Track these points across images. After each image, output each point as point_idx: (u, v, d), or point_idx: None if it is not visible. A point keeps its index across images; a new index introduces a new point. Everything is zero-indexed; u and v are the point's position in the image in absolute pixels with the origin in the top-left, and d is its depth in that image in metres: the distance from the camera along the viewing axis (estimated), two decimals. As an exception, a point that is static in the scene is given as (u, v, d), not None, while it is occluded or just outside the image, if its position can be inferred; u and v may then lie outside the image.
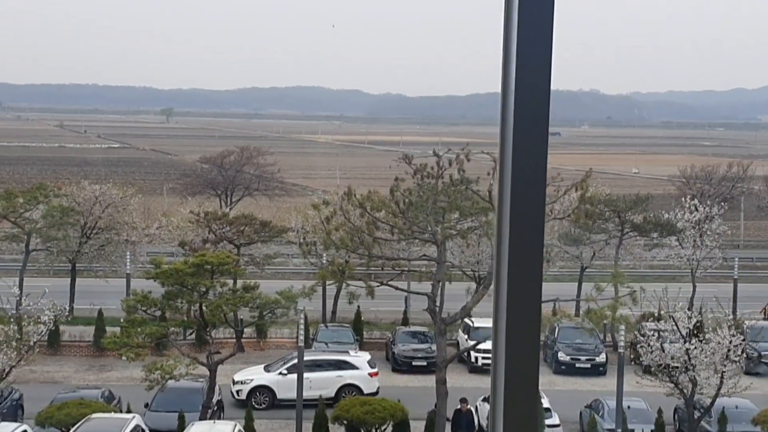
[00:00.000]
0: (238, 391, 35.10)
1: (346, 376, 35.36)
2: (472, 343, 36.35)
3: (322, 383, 34.63)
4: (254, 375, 35.51)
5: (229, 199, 70.53)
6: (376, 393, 35.11)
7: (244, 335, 38.11)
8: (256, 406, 33.60)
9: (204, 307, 29.73)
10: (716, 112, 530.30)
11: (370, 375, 35.69)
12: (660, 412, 30.66)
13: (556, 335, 40.88)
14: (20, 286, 39.43)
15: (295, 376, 34.52)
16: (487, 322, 39.00)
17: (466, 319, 37.64)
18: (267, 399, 34.82)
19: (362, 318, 43.06)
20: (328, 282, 37.35)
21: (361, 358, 36.60)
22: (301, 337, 31.65)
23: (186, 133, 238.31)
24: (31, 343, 28.63)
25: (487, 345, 34.55)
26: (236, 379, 35.34)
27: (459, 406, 29.92)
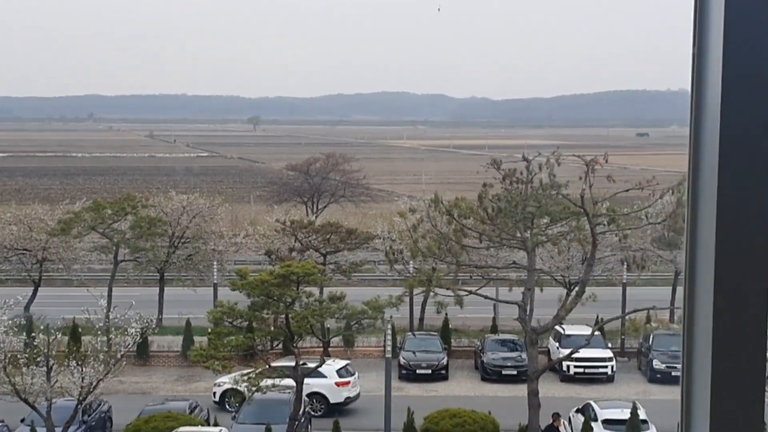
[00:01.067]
0: (214, 393, 35.25)
1: (312, 384, 33.43)
2: (564, 351, 35.29)
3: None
4: (228, 378, 33.56)
5: (315, 205, 70.55)
6: (346, 403, 34.43)
7: (330, 344, 37.72)
8: (228, 408, 33.87)
9: (290, 318, 29.35)
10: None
11: (338, 384, 34.53)
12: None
13: (650, 343, 39.65)
14: (108, 297, 39.64)
15: None
16: (579, 330, 37.93)
17: (557, 326, 36.63)
18: (238, 402, 33.45)
19: (450, 325, 42.30)
20: (415, 290, 36.64)
21: (331, 366, 34.80)
22: (389, 347, 31.06)
23: (272, 141, 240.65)
24: (119, 356, 28.51)
25: (581, 353, 33.51)
26: (216, 381, 34.94)
27: (551, 422, 28.97)
